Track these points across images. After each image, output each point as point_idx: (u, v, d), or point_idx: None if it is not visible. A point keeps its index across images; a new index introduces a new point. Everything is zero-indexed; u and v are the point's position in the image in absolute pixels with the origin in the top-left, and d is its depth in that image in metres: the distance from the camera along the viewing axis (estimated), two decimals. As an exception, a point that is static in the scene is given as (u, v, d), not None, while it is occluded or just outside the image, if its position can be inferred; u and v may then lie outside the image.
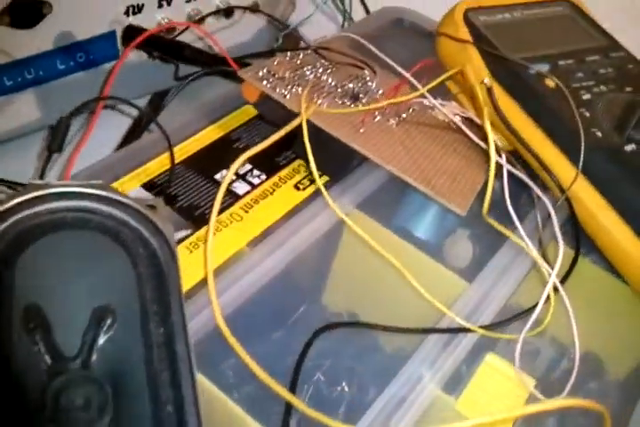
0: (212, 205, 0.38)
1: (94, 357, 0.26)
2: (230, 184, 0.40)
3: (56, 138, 0.32)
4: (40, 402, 0.24)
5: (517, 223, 0.37)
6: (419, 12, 0.57)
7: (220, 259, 0.35)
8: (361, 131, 0.39)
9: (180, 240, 0.36)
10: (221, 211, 0.38)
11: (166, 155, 0.40)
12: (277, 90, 0.39)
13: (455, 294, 0.36)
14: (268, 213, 0.38)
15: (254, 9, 0.57)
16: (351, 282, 0.45)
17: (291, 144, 0.43)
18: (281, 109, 0.39)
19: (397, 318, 0.35)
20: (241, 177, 0.40)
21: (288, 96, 0.39)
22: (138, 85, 0.56)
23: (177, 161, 0.40)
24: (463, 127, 0.39)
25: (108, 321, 0.26)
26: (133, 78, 0.54)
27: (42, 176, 0.32)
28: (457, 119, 0.40)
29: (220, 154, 0.42)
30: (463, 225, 0.44)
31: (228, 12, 0.55)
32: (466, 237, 0.43)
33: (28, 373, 0.24)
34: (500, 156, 0.37)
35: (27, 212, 0.26)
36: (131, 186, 0.38)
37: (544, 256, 0.38)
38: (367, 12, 0.62)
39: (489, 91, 0.39)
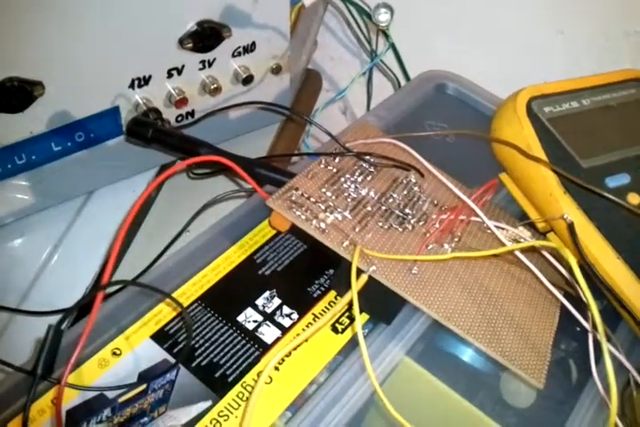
0: (235, 362, 0.32)
1: None
2: (256, 329, 0.33)
3: (44, 355, 0.25)
4: None
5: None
6: (463, 76, 0.51)
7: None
8: (414, 271, 0.33)
9: (199, 417, 0.30)
10: (247, 368, 0.32)
11: (179, 292, 0.34)
12: (314, 223, 0.33)
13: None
14: (304, 369, 0.32)
15: (277, 72, 0.50)
16: None
17: (323, 266, 0.37)
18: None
19: None
20: (268, 317, 0.34)
21: (326, 228, 0.33)
22: (144, 159, 0.50)
23: (193, 297, 0.34)
24: (533, 268, 0.33)
25: None
26: (138, 153, 0.48)
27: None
28: (519, 254, 0.34)
29: (243, 285, 0.35)
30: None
31: (247, 78, 0.48)
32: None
33: None
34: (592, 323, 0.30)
35: None
36: (139, 339, 0.32)
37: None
38: (404, 72, 0.56)
39: (570, 228, 0.32)
